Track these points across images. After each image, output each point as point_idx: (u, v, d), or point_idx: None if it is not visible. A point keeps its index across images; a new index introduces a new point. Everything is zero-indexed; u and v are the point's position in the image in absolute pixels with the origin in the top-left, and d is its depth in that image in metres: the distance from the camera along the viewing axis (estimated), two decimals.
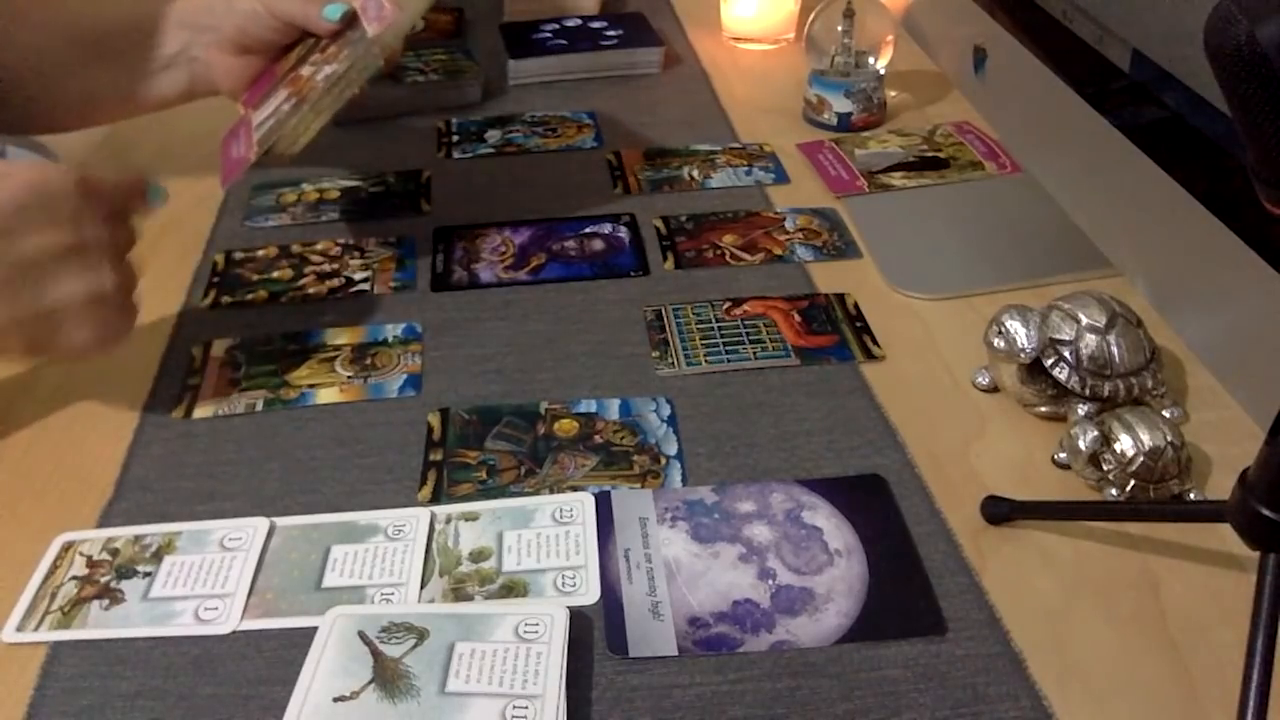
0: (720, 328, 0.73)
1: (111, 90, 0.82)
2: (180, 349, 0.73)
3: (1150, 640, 0.52)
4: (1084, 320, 0.62)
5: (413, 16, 0.84)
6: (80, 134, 0.90)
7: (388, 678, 0.49)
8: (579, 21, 1.19)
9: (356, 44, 0.74)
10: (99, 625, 0.53)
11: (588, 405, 0.67)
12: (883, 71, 0.98)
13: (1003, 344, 0.63)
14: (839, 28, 0.96)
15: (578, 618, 0.53)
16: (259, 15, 0.77)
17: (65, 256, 0.58)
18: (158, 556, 0.57)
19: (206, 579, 0.55)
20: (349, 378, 0.70)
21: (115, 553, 0.57)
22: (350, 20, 0.75)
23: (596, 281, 0.79)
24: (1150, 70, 0.69)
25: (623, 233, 0.84)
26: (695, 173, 0.92)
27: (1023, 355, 0.62)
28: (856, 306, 0.75)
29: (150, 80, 0.81)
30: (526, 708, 0.48)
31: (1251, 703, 0.43)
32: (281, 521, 0.59)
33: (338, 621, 0.52)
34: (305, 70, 0.75)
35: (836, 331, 0.72)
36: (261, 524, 0.58)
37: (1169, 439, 0.58)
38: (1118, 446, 0.58)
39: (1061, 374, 0.62)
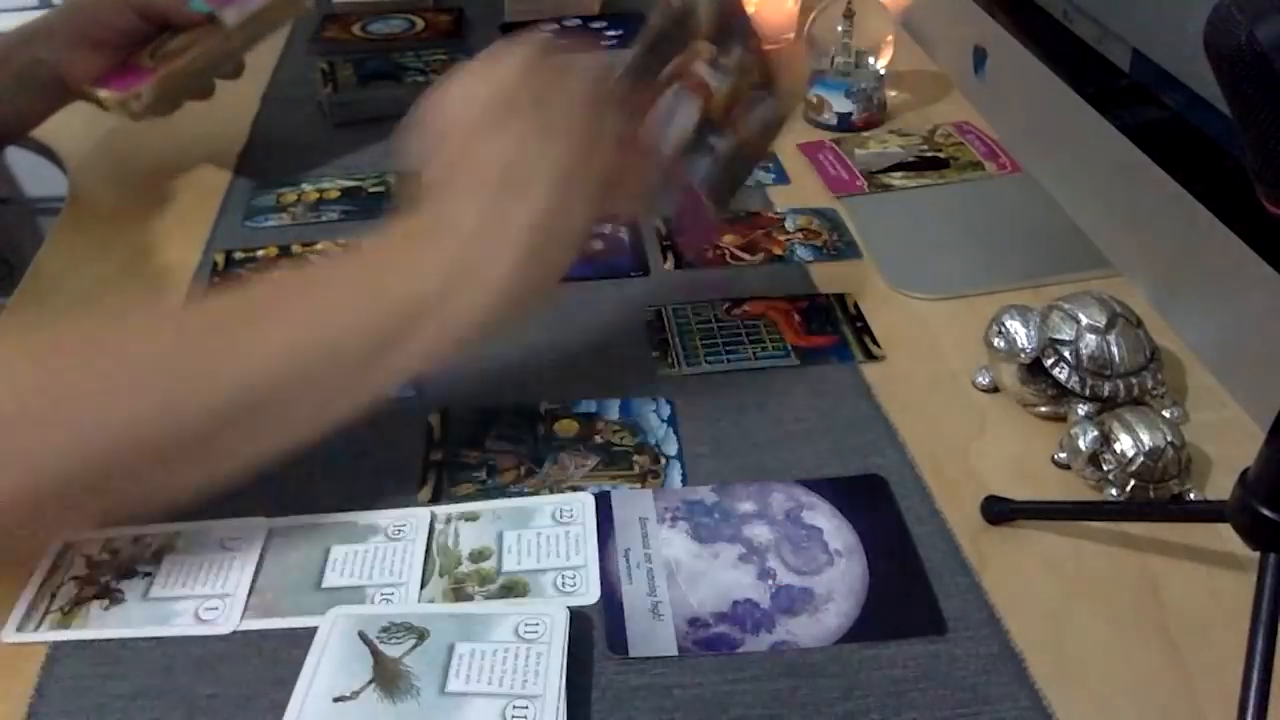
0: (720, 328, 0.73)
1: None
2: None
3: (1150, 640, 0.52)
4: (1084, 320, 0.62)
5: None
6: (79, 135, 0.90)
7: (388, 678, 0.49)
8: (579, 22, 1.19)
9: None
10: (99, 625, 0.53)
11: (588, 405, 0.67)
12: (883, 71, 0.98)
13: (1003, 344, 0.63)
14: (839, 28, 0.96)
15: (578, 618, 0.53)
16: (121, 9, 0.82)
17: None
18: (157, 556, 0.57)
19: (206, 579, 0.55)
20: None
21: (115, 553, 0.57)
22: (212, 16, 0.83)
23: (596, 282, 0.79)
24: (1150, 70, 0.69)
25: (623, 233, 0.84)
26: None
27: (1023, 355, 0.62)
28: (856, 306, 0.75)
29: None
30: (526, 708, 0.48)
31: (1251, 703, 0.43)
32: (281, 521, 0.59)
33: (338, 621, 0.52)
34: None
35: (836, 332, 0.72)
36: (261, 524, 0.58)
37: (1169, 439, 0.58)
38: (1118, 446, 0.58)
39: (1061, 374, 0.62)
